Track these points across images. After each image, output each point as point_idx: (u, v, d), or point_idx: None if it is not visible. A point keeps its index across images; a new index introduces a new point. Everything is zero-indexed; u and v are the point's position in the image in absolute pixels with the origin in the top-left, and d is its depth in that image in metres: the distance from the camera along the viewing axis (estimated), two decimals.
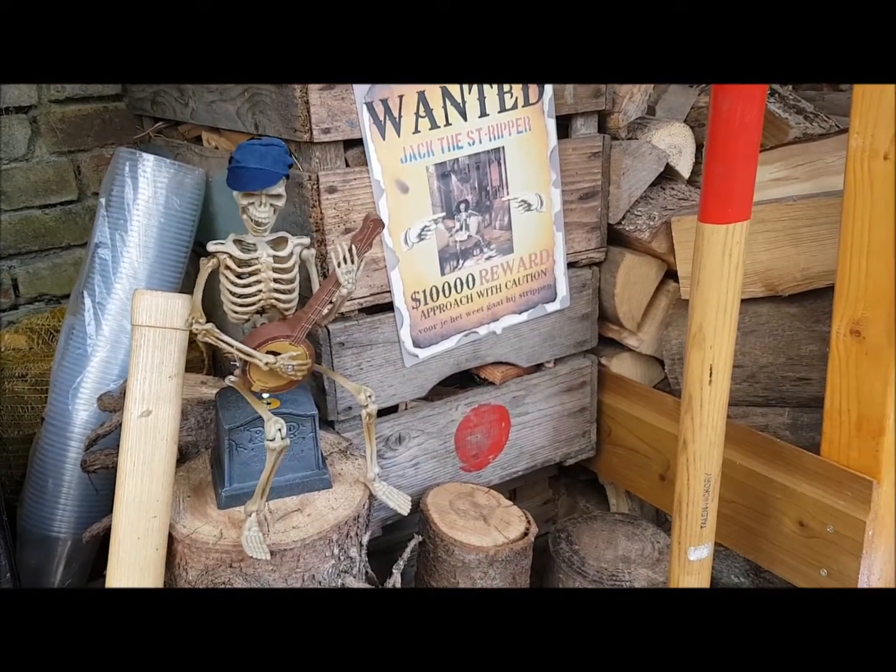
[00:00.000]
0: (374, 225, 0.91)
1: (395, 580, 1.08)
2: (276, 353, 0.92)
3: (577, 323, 1.36)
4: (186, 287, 1.40)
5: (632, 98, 1.25)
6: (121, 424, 1.20)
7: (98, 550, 1.33)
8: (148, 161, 1.29)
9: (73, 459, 1.28)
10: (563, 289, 1.32)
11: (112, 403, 1.27)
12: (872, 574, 1.09)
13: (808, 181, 1.26)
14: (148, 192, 1.30)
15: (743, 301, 1.24)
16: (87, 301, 1.30)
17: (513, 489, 1.55)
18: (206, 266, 0.92)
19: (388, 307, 1.17)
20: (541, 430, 1.39)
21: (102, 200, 1.31)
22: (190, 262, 1.39)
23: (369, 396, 0.99)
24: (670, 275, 1.36)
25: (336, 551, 0.98)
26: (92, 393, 1.28)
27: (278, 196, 0.89)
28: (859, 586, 1.08)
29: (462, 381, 1.33)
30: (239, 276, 0.92)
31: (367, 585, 1.04)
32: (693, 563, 1.05)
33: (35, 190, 1.63)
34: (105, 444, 1.23)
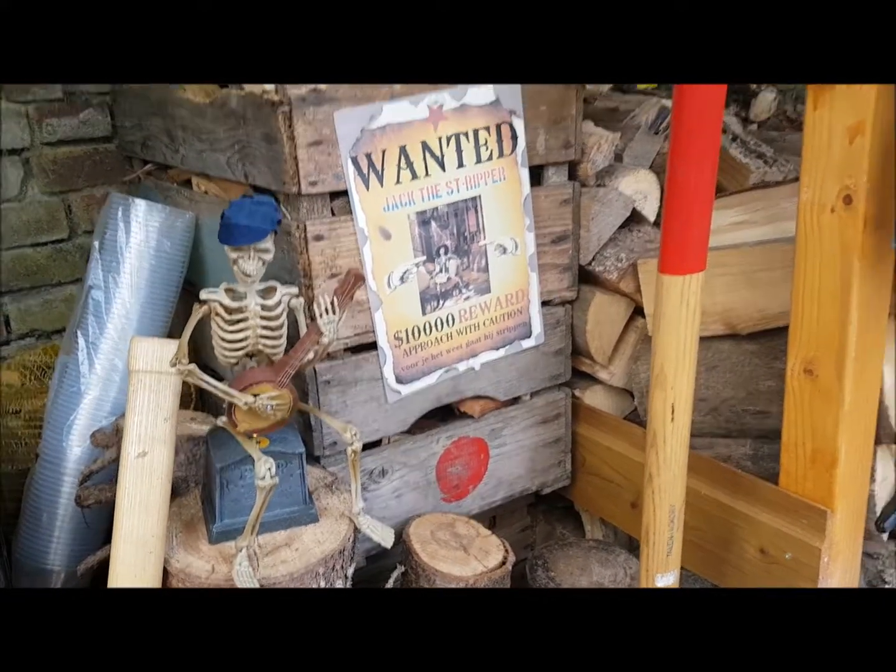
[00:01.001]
0: (355, 279, 0.98)
1: None
2: (254, 395, 0.97)
3: (552, 358, 1.43)
4: (177, 325, 1.45)
5: (599, 149, 1.33)
6: (114, 460, 1.25)
7: (91, 583, 1.36)
8: (140, 206, 1.35)
9: (67, 494, 1.32)
10: (537, 326, 1.39)
11: (105, 440, 1.32)
12: None
13: (767, 225, 1.34)
14: (140, 235, 1.35)
15: (705, 338, 1.32)
16: (81, 341, 1.35)
17: (492, 516, 1.61)
18: (198, 312, 0.98)
19: (372, 346, 1.23)
20: (518, 460, 1.45)
21: (96, 244, 1.36)
22: (180, 300, 1.44)
23: (354, 435, 1.05)
24: (639, 311, 1.43)
25: (323, 584, 1.03)
26: (85, 430, 1.32)
27: (266, 250, 0.95)
28: None
29: (442, 414, 1.39)
30: (228, 322, 0.98)
31: None
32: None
33: (27, 229, 1.68)
34: (98, 479, 1.27)
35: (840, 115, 0.98)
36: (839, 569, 1.15)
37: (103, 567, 1.19)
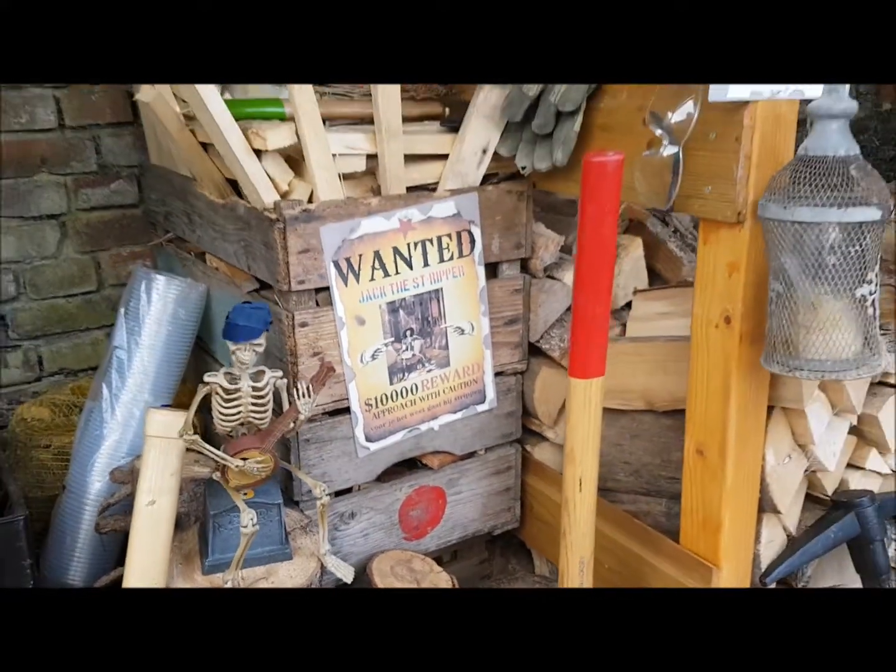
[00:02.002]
0: (327, 370, 1.22)
1: None
2: (244, 459, 1.22)
3: (504, 419, 1.67)
4: (189, 373, 1.71)
5: (546, 248, 1.57)
6: (129, 495, 1.49)
7: None
8: (160, 281, 1.60)
9: (88, 521, 1.57)
10: (491, 393, 1.63)
11: (122, 477, 1.57)
12: None
13: (686, 317, 1.57)
14: (158, 305, 1.60)
15: (631, 411, 1.56)
16: (105, 391, 1.60)
17: (454, 550, 1.84)
18: (202, 391, 1.23)
19: (346, 411, 1.47)
20: (472, 506, 1.69)
21: (122, 310, 1.62)
22: (192, 354, 1.69)
23: (323, 490, 1.29)
24: None
25: None
26: (105, 467, 1.57)
27: (259, 344, 1.20)
28: None
29: (407, 465, 1.63)
30: (225, 400, 1.23)
31: None
32: None
33: (61, 283, 1.94)
34: (115, 510, 1.52)
35: (722, 253, 1.22)
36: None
37: (117, 585, 1.44)
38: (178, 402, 1.65)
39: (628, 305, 1.67)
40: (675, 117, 1.13)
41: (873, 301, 1.10)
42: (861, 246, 1.05)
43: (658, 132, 1.14)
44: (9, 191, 1.83)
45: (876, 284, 1.10)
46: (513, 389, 1.66)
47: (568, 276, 1.61)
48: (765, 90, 1.10)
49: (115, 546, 1.59)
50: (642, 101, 1.23)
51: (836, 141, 1.05)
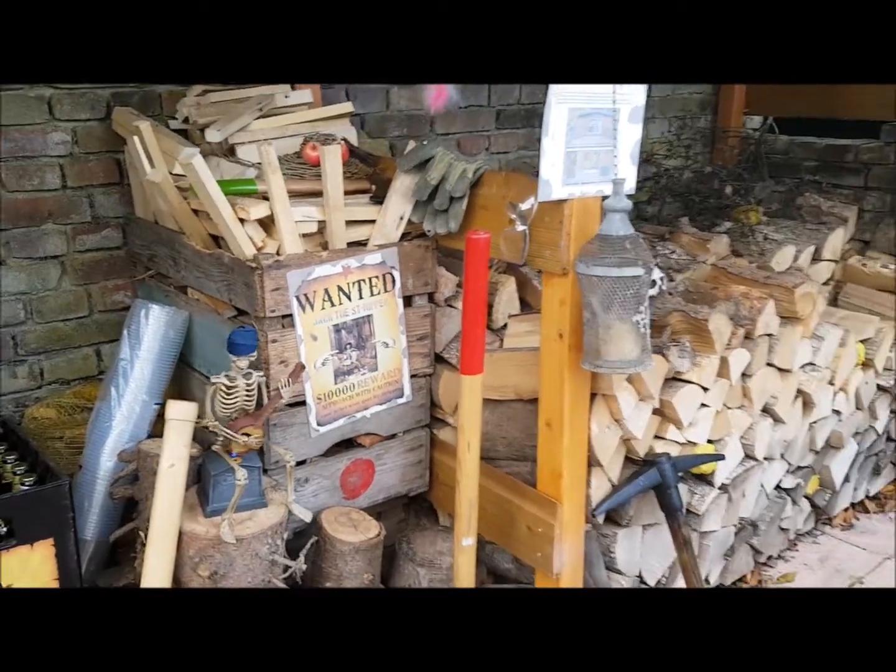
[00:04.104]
0: (299, 368, 1.79)
1: (299, 562, 1.92)
2: (247, 434, 1.77)
3: (417, 409, 2.27)
4: (174, 378, 2.21)
5: (446, 285, 2.19)
6: (134, 471, 2.00)
7: (114, 546, 2.09)
8: (154, 309, 2.11)
9: (100, 491, 2.05)
10: (407, 390, 2.23)
11: (128, 457, 2.06)
12: (563, 555, 2.02)
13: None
14: (153, 326, 2.11)
15: (506, 400, 2.19)
16: (113, 392, 2.09)
17: (379, 512, 2.41)
18: (212, 389, 1.77)
19: (303, 403, 2.03)
20: (394, 474, 2.28)
21: (125, 331, 2.12)
22: (177, 366, 2.20)
23: (290, 457, 1.85)
24: None
25: (269, 541, 1.82)
26: (113, 450, 2.06)
27: (252, 355, 1.76)
28: (554, 566, 2.00)
29: (346, 444, 2.20)
30: (227, 395, 1.77)
31: (284, 586, 1.85)
32: (465, 548, 1.95)
33: (60, 309, 2.40)
34: (123, 482, 2.01)
35: (556, 293, 1.87)
36: (568, 538, 2.02)
37: (126, 536, 1.94)
38: (165, 400, 2.15)
39: (505, 326, 2.30)
40: (524, 206, 1.77)
41: (644, 325, 1.77)
42: (633, 290, 1.72)
43: (513, 216, 1.78)
44: (22, 237, 2.29)
45: (645, 314, 1.77)
46: (423, 387, 2.26)
47: (461, 304, 2.23)
48: (576, 191, 1.76)
49: (121, 509, 2.08)
50: (506, 192, 1.88)
51: (617, 226, 1.71)
